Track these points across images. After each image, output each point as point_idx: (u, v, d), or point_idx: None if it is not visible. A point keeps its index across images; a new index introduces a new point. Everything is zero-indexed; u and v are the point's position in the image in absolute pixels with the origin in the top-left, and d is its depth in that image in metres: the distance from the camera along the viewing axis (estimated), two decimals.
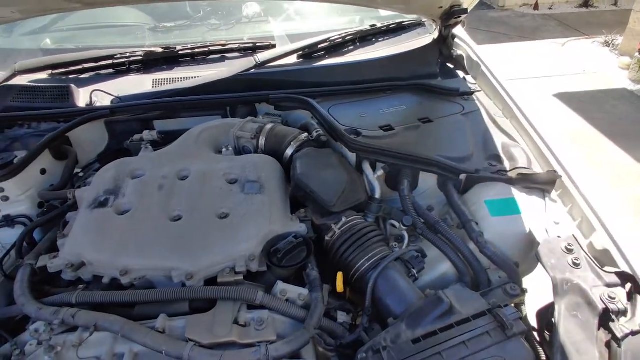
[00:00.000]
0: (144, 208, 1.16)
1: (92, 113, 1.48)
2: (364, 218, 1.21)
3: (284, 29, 1.88)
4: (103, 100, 1.60)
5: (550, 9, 8.67)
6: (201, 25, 1.95)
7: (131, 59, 1.68)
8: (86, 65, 1.67)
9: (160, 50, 1.70)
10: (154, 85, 1.64)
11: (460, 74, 1.78)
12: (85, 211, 1.17)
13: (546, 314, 1.01)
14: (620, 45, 6.31)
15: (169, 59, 1.71)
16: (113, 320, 0.93)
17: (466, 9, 1.59)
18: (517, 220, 1.13)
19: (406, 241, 1.17)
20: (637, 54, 5.46)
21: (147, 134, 1.46)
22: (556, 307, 0.95)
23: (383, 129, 1.41)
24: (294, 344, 0.91)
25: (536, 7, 8.60)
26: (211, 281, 1.04)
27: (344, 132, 1.34)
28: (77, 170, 1.51)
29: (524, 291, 1.05)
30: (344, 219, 1.14)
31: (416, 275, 1.09)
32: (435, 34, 1.86)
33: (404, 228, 1.17)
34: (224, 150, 1.38)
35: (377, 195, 1.26)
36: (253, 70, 1.62)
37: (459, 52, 1.84)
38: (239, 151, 1.42)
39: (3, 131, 1.55)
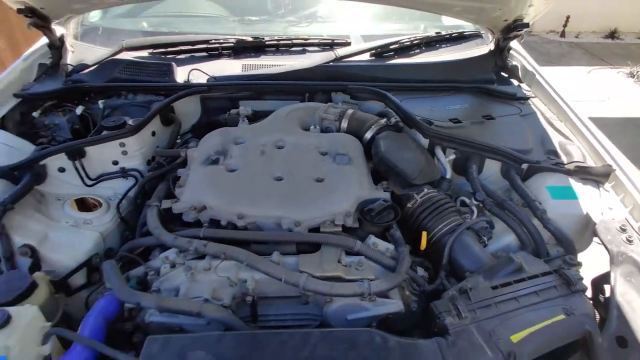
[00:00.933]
0: (249, 168, 1.35)
1: (193, 88, 1.69)
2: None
3: (358, 29, 2.08)
4: (198, 79, 1.81)
5: (576, 37, 8.85)
6: (282, 22, 2.17)
7: (223, 45, 1.89)
8: (183, 48, 1.89)
9: (249, 39, 1.91)
10: (244, 70, 1.85)
11: (514, 82, 1.96)
12: (199, 167, 1.37)
13: (600, 282, 1.17)
14: None
15: (256, 47, 1.92)
16: (239, 251, 1.12)
17: (527, 24, 1.78)
18: (575, 203, 1.31)
19: (475, 214, 1.34)
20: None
21: (242, 110, 1.66)
22: (612, 274, 1.11)
23: (452, 121, 1.59)
24: (389, 282, 1.09)
25: (563, 34, 8.79)
26: (313, 230, 1.22)
27: (419, 121, 1.53)
28: None
29: (579, 263, 1.22)
30: (425, 190, 1.32)
31: (486, 242, 1.26)
32: (491, 45, 2.05)
33: (475, 203, 1.34)
34: (312, 128, 1.58)
35: (448, 176, 1.44)
36: (332, 63, 1.82)
37: (514, 62, 2.03)
38: (323, 131, 1.61)
39: (110, 97, 1.76)
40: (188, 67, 1.83)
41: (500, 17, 1.75)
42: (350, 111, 1.61)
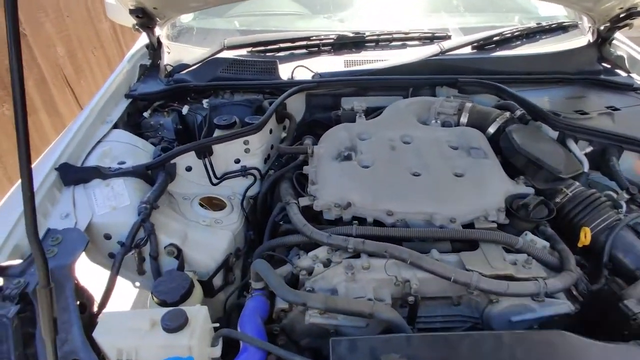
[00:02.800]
0: (383, 164, 1.32)
1: (304, 84, 1.67)
2: None
3: (453, 22, 2.04)
4: (302, 76, 1.79)
5: None
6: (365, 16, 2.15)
7: (324, 41, 1.87)
8: (283, 45, 1.87)
9: (349, 34, 1.89)
10: (346, 65, 1.82)
11: (621, 72, 1.88)
12: (332, 163, 1.34)
13: None
14: None
15: (357, 43, 1.89)
16: (402, 249, 1.08)
17: None
18: None
19: (624, 209, 1.28)
20: None
21: (357, 105, 1.63)
22: None
23: (577, 112, 1.53)
24: (564, 281, 1.04)
25: None
26: (466, 227, 1.18)
27: (547, 112, 1.47)
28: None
29: None
30: (576, 185, 1.26)
31: None
32: (589, 35, 1.98)
33: (626, 197, 1.28)
34: (432, 122, 1.54)
35: (586, 169, 1.38)
36: (437, 56, 1.77)
37: (619, 52, 1.94)
38: (442, 125, 1.57)
39: (207, 97, 1.76)
40: (290, 65, 1.82)
41: (617, 5, 1.67)
42: (469, 104, 1.56)
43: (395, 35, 1.89)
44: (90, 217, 1.19)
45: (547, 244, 1.17)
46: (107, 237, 1.21)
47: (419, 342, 0.91)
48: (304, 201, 1.28)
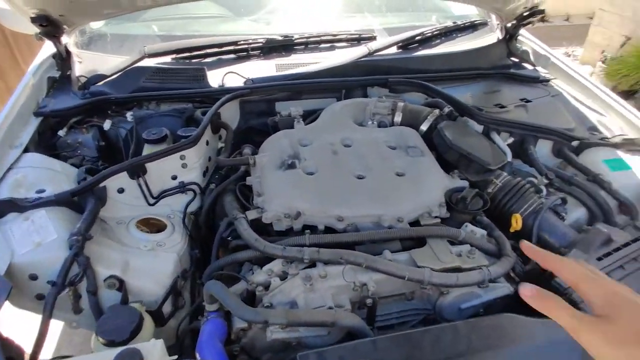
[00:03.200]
0: (328, 169, 1.33)
1: (238, 91, 1.61)
2: None
3: (378, 22, 2.10)
4: (232, 82, 1.73)
5: None
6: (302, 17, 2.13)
7: (252, 45, 1.82)
8: (210, 51, 1.80)
9: (278, 38, 1.86)
10: (278, 70, 1.79)
11: (528, 66, 2.08)
12: (277, 172, 1.32)
13: None
14: (581, 56, 7.07)
15: (286, 46, 1.87)
16: (357, 254, 1.09)
17: (543, 10, 1.89)
18: (631, 173, 1.42)
19: (544, 193, 1.41)
20: (599, 62, 6.18)
21: (294, 110, 1.61)
22: None
23: (497, 106, 1.66)
24: (504, 266, 1.13)
25: None
26: (413, 225, 1.23)
27: (471, 108, 1.58)
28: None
29: None
30: (504, 175, 1.37)
31: (565, 218, 1.34)
32: (498, 33, 2.16)
33: (545, 182, 1.42)
34: (369, 123, 1.57)
35: (509, 159, 1.50)
36: (366, 57, 1.82)
37: (524, 47, 2.14)
38: (377, 125, 1.61)
39: (130, 109, 1.64)
40: (219, 71, 1.75)
41: (522, 5, 1.84)
42: (401, 104, 1.62)
43: (323, 38, 1.91)
44: (9, 258, 1.05)
45: (485, 232, 1.26)
46: (33, 277, 1.08)
47: (384, 344, 0.93)
48: (251, 214, 1.24)
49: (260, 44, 1.84)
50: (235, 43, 1.81)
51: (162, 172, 1.37)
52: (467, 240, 1.19)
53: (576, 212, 1.39)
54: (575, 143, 1.53)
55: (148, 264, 1.19)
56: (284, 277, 1.12)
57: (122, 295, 1.11)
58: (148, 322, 1.05)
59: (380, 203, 1.23)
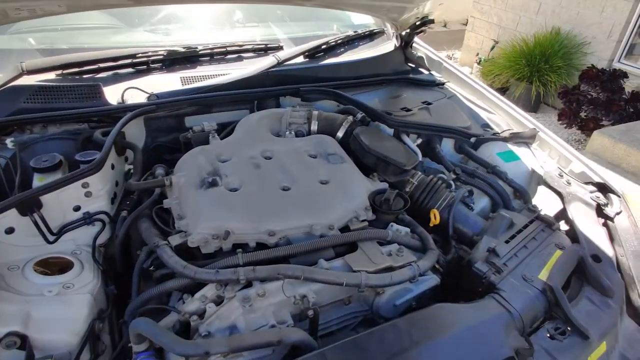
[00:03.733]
0: (252, 184, 1.29)
1: (141, 108, 1.49)
2: None
3: (283, 32, 2.10)
4: (134, 98, 1.60)
5: None
6: (204, 28, 2.03)
7: (152, 58, 1.70)
8: (103, 65, 1.63)
9: (181, 49, 1.76)
10: (183, 83, 1.70)
11: (424, 71, 2.25)
12: (198, 192, 1.24)
13: (558, 217, 1.48)
14: (460, 58, 7.93)
15: (190, 58, 1.77)
16: (294, 267, 1.07)
17: (433, 20, 2.06)
18: (521, 163, 1.61)
19: (453, 187, 1.54)
20: (475, 64, 6.99)
21: (207, 125, 1.53)
22: (568, 209, 1.43)
23: (403, 109, 1.77)
24: (430, 259, 1.20)
25: None
26: (343, 230, 1.24)
27: (382, 113, 1.66)
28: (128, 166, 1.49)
29: (540, 209, 1.52)
30: (418, 174, 1.46)
31: (473, 208, 1.47)
32: (394, 40, 2.31)
33: (453, 177, 1.54)
34: (287, 133, 1.57)
35: (420, 158, 1.61)
36: (276, 67, 1.81)
37: (419, 54, 2.32)
38: (295, 135, 1.61)
39: (8, 134, 1.43)
40: (117, 86, 1.60)
41: (414, 15, 1.99)
42: (315, 112, 1.65)
43: (229, 48, 1.85)
44: None
45: (408, 229, 1.33)
46: None
47: (333, 354, 0.93)
48: (174, 239, 1.15)
49: (162, 56, 1.72)
50: (133, 56, 1.67)
51: (61, 204, 1.20)
52: (395, 239, 1.24)
53: (481, 202, 1.54)
54: (473, 139, 1.69)
55: (55, 311, 1.04)
56: (219, 301, 1.05)
57: (26, 354, 0.95)
58: None
59: (309, 213, 1.23)
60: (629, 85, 4.64)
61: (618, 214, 1.41)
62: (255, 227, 1.17)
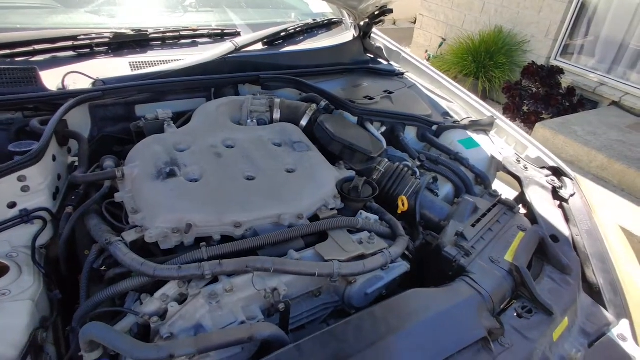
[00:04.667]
0: (213, 174, 1.21)
1: (84, 94, 1.35)
2: None
3: (239, 18, 2.00)
4: (77, 84, 1.45)
5: None
6: (154, 11, 1.89)
7: (96, 40, 1.55)
8: (39, 47, 1.47)
9: (129, 32, 1.62)
10: (133, 68, 1.57)
11: (382, 61, 2.26)
12: (154, 183, 1.15)
13: (517, 201, 1.53)
14: None
15: (140, 42, 1.64)
16: (263, 259, 1.01)
17: (392, 9, 2.06)
18: (481, 150, 1.65)
19: (418, 174, 1.54)
20: (424, 60, 7.20)
21: (162, 113, 1.42)
22: (526, 193, 1.48)
23: (366, 98, 1.75)
24: (401, 246, 1.18)
25: None
26: (312, 220, 1.20)
27: (346, 101, 1.63)
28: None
29: (499, 194, 1.56)
30: (385, 161, 1.44)
31: (438, 194, 1.48)
32: (353, 30, 2.30)
33: (417, 164, 1.54)
34: (249, 122, 1.49)
35: (385, 146, 1.60)
36: (234, 54, 1.72)
37: (378, 44, 2.32)
38: (257, 124, 1.54)
39: None
40: (57, 71, 1.44)
41: (373, 4, 1.97)
42: (277, 100, 1.58)
43: (182, 33, 1.74)
44: None
45: (377, 217, 1.31)
46: None
47: (309, 346, 0.88)
48: (129, 235, 1.05)
49: (107, 39, 1.57)
50: (74, 38, 1.51)
51: None
52: (365, 227, 1.21)
53: (445, 188, 1.56)
54: (434, 127, 1.71)
55: None
56: (182, 300, 0.97)
57: None
58: None
59: (277, 202, 1.17)
60: (565, 81, 4.96)
61: (572, 195, 1.48)
62: (220, 218, 1.09)
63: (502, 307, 1.13)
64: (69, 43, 1.51)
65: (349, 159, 1.47)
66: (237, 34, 1.88)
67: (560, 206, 1.47)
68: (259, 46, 1.88)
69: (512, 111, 4.90)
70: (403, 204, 1.35)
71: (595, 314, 1.22)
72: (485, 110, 1.87)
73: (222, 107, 1.51)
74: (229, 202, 1.13)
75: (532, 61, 5.14)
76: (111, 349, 0.86)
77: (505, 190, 1.56)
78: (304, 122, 1.56)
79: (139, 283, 0.98)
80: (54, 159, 1.22)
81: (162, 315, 0.96)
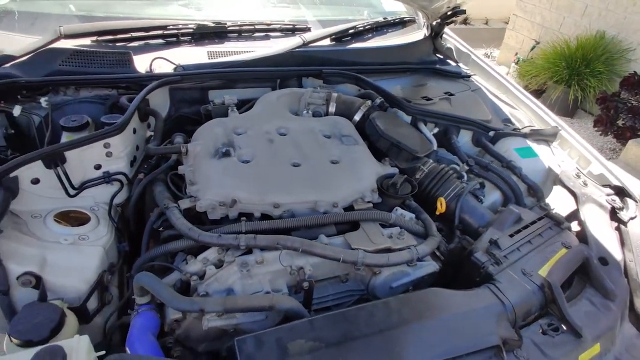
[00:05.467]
0: (263, 157, 1.33)
1: (167, 77, 1.55)
2: None
3: (312, 14, 2.11)
4: (161, 68, 1.66)
5: None
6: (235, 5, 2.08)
7: (182, 30, 1.75)
8: (135, 34, 1.70)
9: (210, 24, 1.80)
10: (210, 57, 1.74)
11: (451, 62, 2.22)
12: (211, 161, 1.29)
13: (571, 218, 1.45)
14: (498, 57, 7.70)
15: (218, 33, 1.82)
16: (293, 239, 1.10)
17: (464, 10, 2.03)
18: (538, 160, 1.58)
19: (465, 178, 1.53)
20: (512, 63, 6.77)
21: (228, 99, 1.58)
22: (581, 210, 1.40)
23: (424, 98, 1.76)
24: (430, 245, 1.20)
25: None
26: (347, 209, 1.27)
27: (401, 100, 1.66)
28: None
29: (553, 208, 1.49)
30: (430, 162, 1.46)
31: (483, 200, 1.46)
32: (425, 30, 2.29)
33: (466, 168, 1.53)
34: (304, 112, 1.59)
35: (435, 148, 1.60)
36: (301, 48, 1.83)
37: (448, 45, 2.29)
38: (312, 115, 1.63)
39: (44, 94, 1.51)
40: (146, 56, 1.66)
41: (445, 4, 1.96)
42: (334, 94, 1.66)
43: (257, 26, 1.89)
44: None
45: (413, 215, 1.33)
46: None
47: (321, 323, 0.96)
48: (184, 203, 1.20)
49: (191, 30, 1.77)
50: (164, 27, 1.73)
51: (83, 161, 1.28)
52: (397, 222, 1.25)
53: (493, 195, 1.53)
54: (491, 133, 1.67)
55: (69, 259, 1.12)
56: (219, 265, 1.10)
57: (40, 292, 1.02)
58: (71, 320, 0.98)
59: (315, 189, 1.26)
60: None
61: (632, 218, 1.37)
62: (262, 198, 1.21)
63: (527, 320, 1.11)
64: (159, 32, 1.73)
65: (395, 157, 1.50)
66: (307, 29, 1.98)
67: (618, 228, 1.37)
68: (326, 41, 1.97)
69: (605, 124, 4.46)
70: (441, 205, 1.36)
71: (638, 346, 1.14)
72: (551, 120, 1.77)
73: (282, 97, 1.63)
74: (272, 184, 1.24)
75: (635, 71, 4.61)
76: (156, 296, 1.01)
77: (560, 205, 1.48)
78: (357, 117, 1.62)
79: (186, 245, 1.13)
80: (134, 131, 1.43)
81: (202, 275, 1.09)
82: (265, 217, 1.23)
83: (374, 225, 1.23)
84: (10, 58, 1.54)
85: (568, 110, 5.26)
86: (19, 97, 1.50)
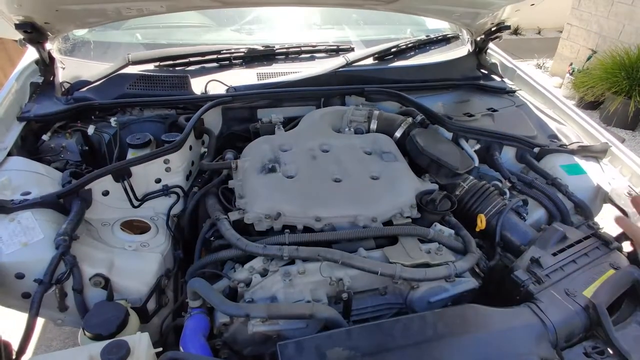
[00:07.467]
0: (307, 173, 1.40)
1: (221, 98, 1.68)
2: None
3: (356, 34, 2.20)
4: (215, 90, 1.80)
5: None
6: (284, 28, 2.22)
7: (234, 54, 1.89)
8: (193, 59, 1.86)
9: (260, 47, 1.93)
10: (259, 78, 1.87)
11: (496, 77, 2.21)
12: (258, 176, 1.39)
13: (621, 238, 1.40)
14: (551, 67, 7.40)
15: (267, 56, 1.95)
16: (333, 251, 1.16)
17: (509, 26, 2.02)
18: (586, 177, 1.54)
19: (507, 195, 1.52)
20: (567, 74, 6.48)
21: (275, 117, 1.68)
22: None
23: (465, 115, 1.77)
24: (469, 262, 1.22)
25: None
26: (386, 224, 1.31)
27: (442, 116, 1.68)
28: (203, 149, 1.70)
29: (601, 227, 1.45)
30: (470, 178, 1.47)
31: (526, 218, 1.44)
32: (469, 46, 2.29)
33: (508, 185, 1.52)
34: (346, 130, 1.66)
35: (476, 164, 1.61)
36: (344, 68, 1.91)
37: (493, 60, 2.28)
38: (354, 132, 1.70)
39: (113, 114, 1.69)
40: (202, 79, 1.81)
41: (489, 21, 1.96)
42: (376, 112, 1.72)
43: (303, 48, 1.99)
44: None
45: (453, 231, 1.35)
46: (20, 276, 1.11)
47: (358, 333, 1.00)
48: (233, 215, 1.30)
49: (242, 54, 1.91)
50: (218, 52, 1.88)
51: (146, 175, 1.42)
52: (436, 238, 1.28)
53: (536, 213, 1.50)
54: (536, 149, 1.64)
55: (133, 263, 1.24)
56: (264, 274, 1.18)
57: (108, 292, 1.15)
58: (133, 318, 1.10)
59: (355, 204, 1.31)
60: None
61: None
62: (304, 212, 1.28)
63: (570, 342, 1.09)
64: (214, 56, 1.88)
65: (435, 173, 1.53)
66: (351, 50, 2.06)
67: None
68: (369, 61, 2.04)
69: None
70: (481, 222, 1.37)
71: None
72: (601, 136, 1.71)
73: (326, 115, 1.71)
74: (314, 199, 1.31)
75: None
76: (207, 301, 1.10)
77: (613, 224, 1.43)
78: (398, 134, 1.67)
79: (234, 254, 1.23)
80: (191, 148, 1.56)
81: (248, 283, 1.18)
82: (307, 229, 1.30)
83: (413, 240, 1.26)
84: (86, 83, 1.74)
85: (628, 122, 4.95)
86: (92, 117, 1.69)
